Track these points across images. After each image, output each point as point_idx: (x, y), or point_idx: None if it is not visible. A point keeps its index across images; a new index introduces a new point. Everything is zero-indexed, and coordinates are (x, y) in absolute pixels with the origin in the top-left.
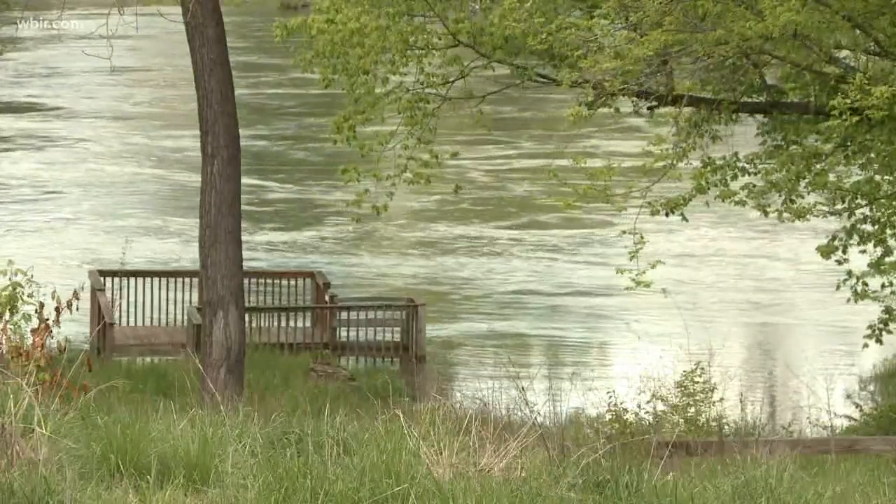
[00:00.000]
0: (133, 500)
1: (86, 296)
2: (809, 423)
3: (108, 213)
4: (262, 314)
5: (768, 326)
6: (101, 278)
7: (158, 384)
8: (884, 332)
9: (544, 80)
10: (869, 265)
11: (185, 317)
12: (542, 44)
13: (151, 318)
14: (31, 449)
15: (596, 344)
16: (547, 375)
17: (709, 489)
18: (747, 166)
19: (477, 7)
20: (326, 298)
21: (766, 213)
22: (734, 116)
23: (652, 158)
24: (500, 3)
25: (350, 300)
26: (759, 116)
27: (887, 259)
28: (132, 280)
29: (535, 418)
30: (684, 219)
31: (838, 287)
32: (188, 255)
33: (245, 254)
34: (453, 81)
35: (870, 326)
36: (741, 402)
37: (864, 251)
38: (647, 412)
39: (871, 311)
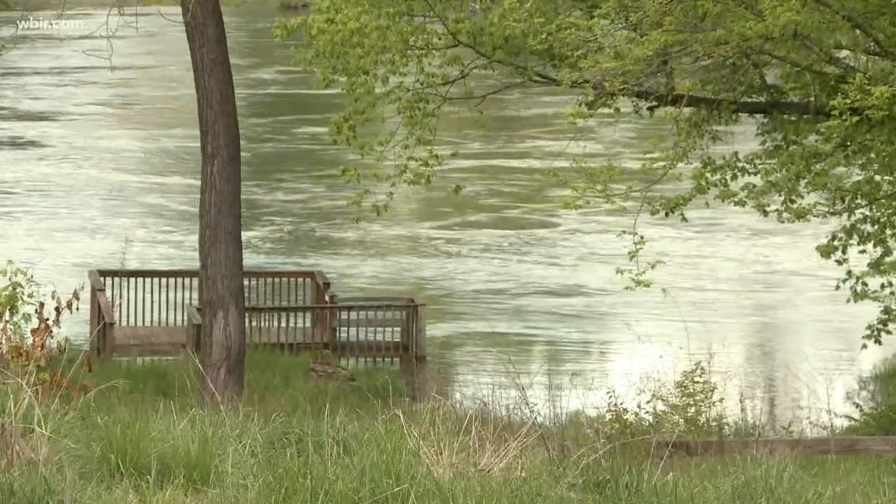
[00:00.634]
0: (133, 500)
1: (86, 296)
2: (809, 423)
3: (107, 213)
4: (262, 314)
5: (768, 326)
6: (101, 278)
7: (158, 384)
8: (883, 333)
9: (544, 80)
10: (869, 265)
11: (185, 317)
12: (542, 44)
13: (151, 318)
14: (31, 449)
15: (596, 344)
16: (548, 374)
17: (709, 489)
18: (747, 166)
19: (477, 7)
20: (326, 298)
21: (765, 213)
22: (734, 116)
23: (655, 156)
24: (500, 3)
25: (350, 300)
26: (759, 116)
27: (887, 259)
28: (132, 280)
29: (535, 418)
30: (684, 219)
31: (838, 287)
32: (188, 255)
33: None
34: (453, 81)
35: (869, 326)
36: (741, 402)
37: (863, 251)
38: (647, 412)
39: (872, 312)
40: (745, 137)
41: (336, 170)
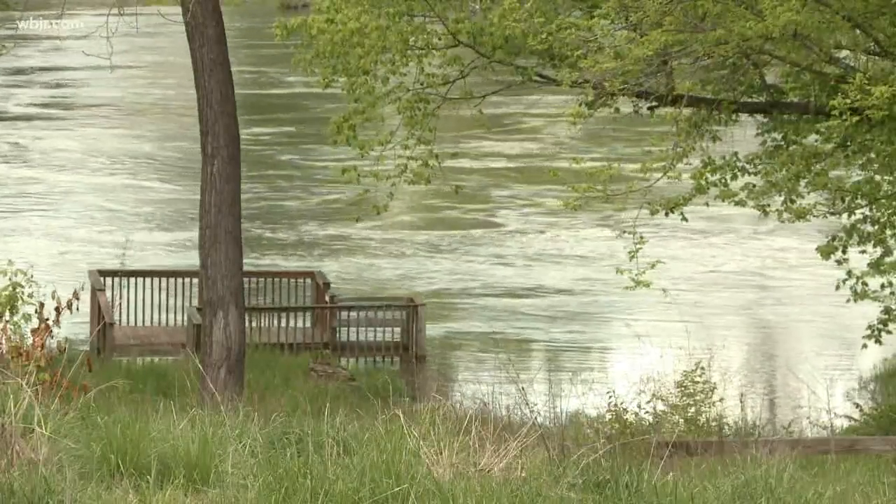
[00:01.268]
0: (133, 500)
1: (86, 296)
2: (809, 423)
3: (107, 212)
4: (262, 314)
5: (768, 326)
6: (101, 278)
7: (158, 384)
8: (883, 332)
9: (544, 80)
10: (869, 265)
11: (185, 317)
12: (542, 44)
13: (151, 318)
14: (31, 449)
15: (596, 344)
16: (548, 375)
17: (709, 489)
18: (747, 166)
19: (477, 7)
20: (326, 298)
21: (765, 213)
22: (734, 116)
23: (656, 154)
24: (500, 3)
25: (350, 300)
26: (759, 116)
27: (887, 259)
28: (132, 280)
29: (535, 418)
30: (683, 218)
31: (838, 287)
32: (188, 255)
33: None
34: (453, 81)
35: (869, 326)
36: (741, 402)
37: (863, 251)
38: (647, 412)
39: (872, 312)
40: (746, 137)
41: (277, 171)
